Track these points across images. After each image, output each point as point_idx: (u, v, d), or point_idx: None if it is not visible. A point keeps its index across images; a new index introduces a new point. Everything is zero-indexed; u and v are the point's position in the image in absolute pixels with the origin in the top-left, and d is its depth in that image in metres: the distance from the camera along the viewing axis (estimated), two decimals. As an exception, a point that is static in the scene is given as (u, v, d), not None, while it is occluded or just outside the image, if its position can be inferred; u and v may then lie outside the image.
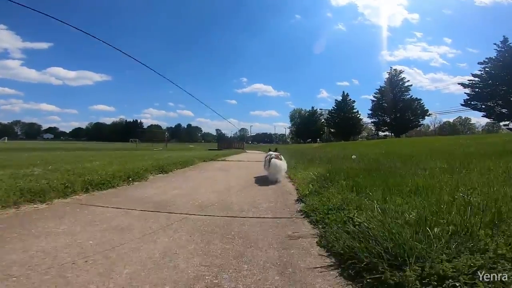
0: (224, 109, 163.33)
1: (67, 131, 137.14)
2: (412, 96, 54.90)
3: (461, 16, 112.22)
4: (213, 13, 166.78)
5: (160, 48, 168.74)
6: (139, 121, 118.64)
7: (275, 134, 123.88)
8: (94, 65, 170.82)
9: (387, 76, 57.77)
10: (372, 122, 60.40)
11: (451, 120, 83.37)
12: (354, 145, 20.40)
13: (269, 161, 5.04)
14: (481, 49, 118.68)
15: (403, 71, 57.64)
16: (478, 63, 39.12)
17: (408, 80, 56.50)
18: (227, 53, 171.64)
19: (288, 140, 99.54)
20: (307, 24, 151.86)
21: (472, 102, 38.48)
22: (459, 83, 40.92)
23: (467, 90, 39.35)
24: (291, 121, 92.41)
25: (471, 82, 39.31)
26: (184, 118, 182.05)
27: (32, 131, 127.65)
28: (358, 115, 65.71)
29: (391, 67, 58.96)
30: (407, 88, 55.54)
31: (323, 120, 76.70)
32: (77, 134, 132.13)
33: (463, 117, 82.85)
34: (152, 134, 77.96)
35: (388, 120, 56.80)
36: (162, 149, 44.85)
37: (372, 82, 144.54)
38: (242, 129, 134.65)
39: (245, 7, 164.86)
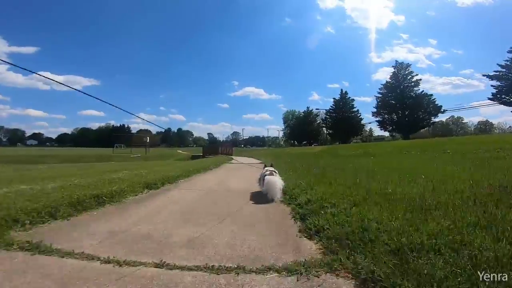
0: (217, 113, 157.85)
1: (54, 137, 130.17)
2: (423, 91, 48.80)
3: (444, 17, 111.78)
4: (204, 16, 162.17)
5: (150, 50, 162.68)
6: (126, 125, 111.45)
7: (268, 137, 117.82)
8: (82, 69, 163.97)
9: (392, 70, 52.00)
10: (376, 121, 54.26)
11: (443, 119, 78.73)
12: (378, 149, 14.01)
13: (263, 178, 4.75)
14: (465, 50, 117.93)
15: (411, 65, 51.83)
16: (508, 52, 33.28)
17: (417, 74, 50.47)
18: (218, 57, 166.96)
19: (282, 143, 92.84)
20: (297, 27, 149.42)
21: (502, 96, 32.37)
22: (483, 75, 35.03)
23: (493, 83, 33.34)
24: (284, 123, 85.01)
25: (498, 73, 33.34)
26: (176, 123, 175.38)
27: (15, 137, 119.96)
28: (359, 115, 59.88)
29: (396, 61, 53.08)
30: (417, 83, 49.43)
31: (319, 121, 70.61)
32: (63, 139, 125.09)
33: (455, 117, 78.43)
34: (137, 139, 71.07)
35: (396, 119, 50.84)
36: (140, 156, 38.40)
37: (362, 84, 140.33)
38: (235, 133, 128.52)
39: (235, 11, 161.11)
